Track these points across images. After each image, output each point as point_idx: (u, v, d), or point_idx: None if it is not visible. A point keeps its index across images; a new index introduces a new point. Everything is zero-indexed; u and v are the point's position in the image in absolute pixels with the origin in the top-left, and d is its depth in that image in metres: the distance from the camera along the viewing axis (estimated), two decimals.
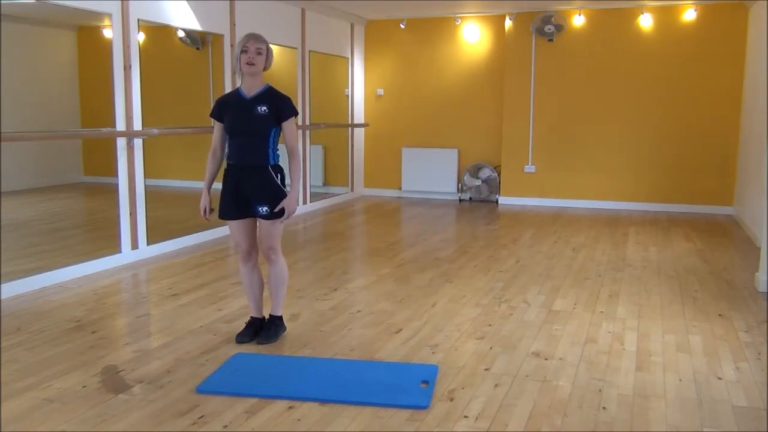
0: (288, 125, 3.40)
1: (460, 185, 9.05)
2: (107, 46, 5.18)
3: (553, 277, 4.95)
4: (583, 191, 8.50)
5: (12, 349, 3.40)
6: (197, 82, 7.37)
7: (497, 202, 8.84)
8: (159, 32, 6.34)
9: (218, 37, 6.48)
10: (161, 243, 5.68)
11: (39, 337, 3.58)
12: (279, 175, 3.43)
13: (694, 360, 3.32)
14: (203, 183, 3.55)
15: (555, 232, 6.79)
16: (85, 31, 7.57)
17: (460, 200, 9.07)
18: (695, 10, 7.82)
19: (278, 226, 3.43)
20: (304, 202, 7.99)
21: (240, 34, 6.60)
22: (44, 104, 7.49)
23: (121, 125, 5.19)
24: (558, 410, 2.74)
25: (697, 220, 7.51)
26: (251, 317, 3.62)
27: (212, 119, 3.53)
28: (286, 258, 5.48)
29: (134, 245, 5.38)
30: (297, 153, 3.43)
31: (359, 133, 9.41)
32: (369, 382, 3.00)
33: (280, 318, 3.59)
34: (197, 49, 7.19)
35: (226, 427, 2.58)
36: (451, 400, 2.83)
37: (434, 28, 8.99)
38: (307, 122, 7.87)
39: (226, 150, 3.48)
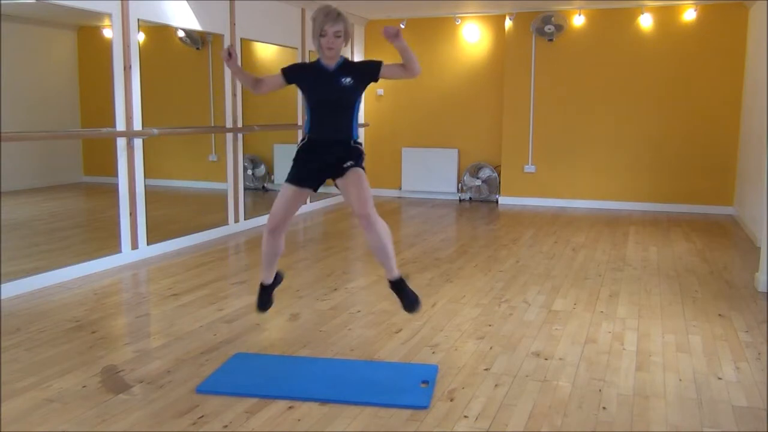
0: (385, 69, 3.25)
1: (460, 185, 9.05)
2: (107, 46, 5.18)
3: (553, 277, 4.95)
4: (583, 191, 8.50)
5: (12, 349, 3.40)
6: (197, 82, 7.38)
7: (497, 202, 8.84)
8: (159, 32, 6.34)
9: (218, 37, 6.48)
10: (161, 243, 5.67)
11: (39, 337, 3.58)
12: (360, 146, 3.34)
13: (694, 360, 3.32)
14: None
15: (555, 232, 6.79)
16: (85, 31, 7.57)
17: (460, 200, 9.07)
18: (695, 10, 7.82)
19: (366, 181, 3.26)
20: (304, 203, 7.98)
21: (240, 34, 6.60)
22: (44, 104, 7.49)
23: (121, 125, 5.19)
24: (558, 410, 2.74)
25: (697, 220, 7.51)
26: (262, 284, 3.51)
27: (281, 73, 3.32)
28: (285, 258, 5.50)
29: (134, 245, 5.38)
30: (408, 59, 3.21)
31: (359, 133, 9.40)
32: (369, 382, 3.00)
33: (402, 279, 3.35)
34: (197, 49, 7.19)
35: (226, 427, 2.58)
36: (451, 400, 2.83)
37: (434, 28, 8.99)
38: None
39: (307, 124, 3.31)
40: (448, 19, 8.86)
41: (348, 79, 3.25)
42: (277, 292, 4.44)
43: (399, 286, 3.34)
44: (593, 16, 8.26)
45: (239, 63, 3.40)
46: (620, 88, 8.23)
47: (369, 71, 3.30)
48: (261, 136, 7.86)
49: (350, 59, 3.38)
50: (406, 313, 3.36)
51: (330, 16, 3.19)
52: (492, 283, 4.74)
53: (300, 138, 3.42)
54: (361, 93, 3.34)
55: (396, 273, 3.33)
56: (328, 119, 3.29)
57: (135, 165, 5.33)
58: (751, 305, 4.24)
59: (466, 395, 2.88)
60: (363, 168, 3.32)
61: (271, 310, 4.05)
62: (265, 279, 3.52)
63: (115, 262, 5.20)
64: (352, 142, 3.32)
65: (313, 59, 3.41)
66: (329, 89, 3.25)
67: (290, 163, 3.41)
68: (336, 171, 3.29)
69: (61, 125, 7.54)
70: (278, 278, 3.61)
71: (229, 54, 3.26)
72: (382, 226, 3.25)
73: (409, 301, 3.32)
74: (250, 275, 4.97)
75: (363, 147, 3.39)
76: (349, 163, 3.27)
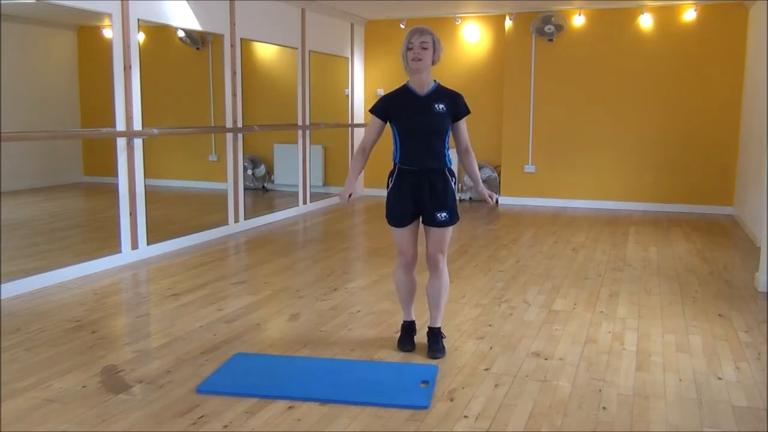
0: (463, 124, 3.28)
1: (460, 185, 9.05)
2: (107, 46, 5.18)
3: (553, 277, 4.95)
4: (583, 191, 8.50)
5: (12, 349, 3.40)
6: (197, 82, 7.38)
7: (497, 202, 8.84)
8: (159, 32, 6.34)
9: (218, 37, 6.48)
10: (161, 243, 5.67)
11: (39, 337, 3.58)
12: (453, 179, 3.31)
13: (694, 360, 3.32)
14: (347, 178, 3.35)
15: (555, 232, 6.79)
16: (85, 31, 7.58)
17: (460, 200, 9.07)
18: (695, 10, 7.82)
19: (450, 232, 3.32)
20: (304, 203, 7.99)
21: (240, 34, 6.60)
22: (44, 104, 7.50)
23: (121, 125, 5.19)
24: (558, 410, 2.74)
25: (697, 220, 7.51)
26: (406, 321, 3.48)
27: (372, 115, 3.30)
28: (286, 258, 5.50)
29: (134, 245, 5.38)
30: (471, 150, 3.35)
31: (359, 133, 9.40)
32: (369, 382, 3.00)
33: (440, 330, 3.43)
34: (197, 49, 7.19)
35: (226, 427, 2.58)
36: (451, 400, 2.83)
37: (434, 28, 8.83)
38: (307, 122, 7.87)
39: (397, 153, 3.29)
40: (448, 19, 8.86)
41: (441, 106, 3.21)
42: (276, 292, 4.46)
43: (435, 335, 3.40)
44: (593, 16, 8.26)
45: (351, 183, 3.35)
46: (620, 88, 8.23)
47: (460, 110, 3.27)
48: (261, 136, 7.87)
49: (445, 87, 3.30)
50: (437, 355, 3.33)
51: (416, 30, 3.21)
52: (492, 283, 4.74)
53: (390, 171, 3.37)
54: (451, 123, 3.26)
55: (439, 323, 3.42)
56: (422, 147, 3.20)
57: (135, 165, 5.33)
58: (751, 305, 4.24)
59: (466, 395, 2.88)
60: (456, 215, 3.32)
61: (271, 310, 4.07)
62: (405, 316, 3.51)
63: (115, 262, 5.20)
64: (446, 170, 3.29)
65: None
66: (424, 117, 3.19)
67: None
68: (431, 218, 3.28)
69: (61, 125, 7.54)
70: (413, 327, 3.49)
71: (349, 194, 3.30)
72: (446, 278, 3.36)
73: (436, 350, 3.34)
74: (250, 275, 4.97)
75: (455, 176, 3.36)
76: (444, 216, 3.26)
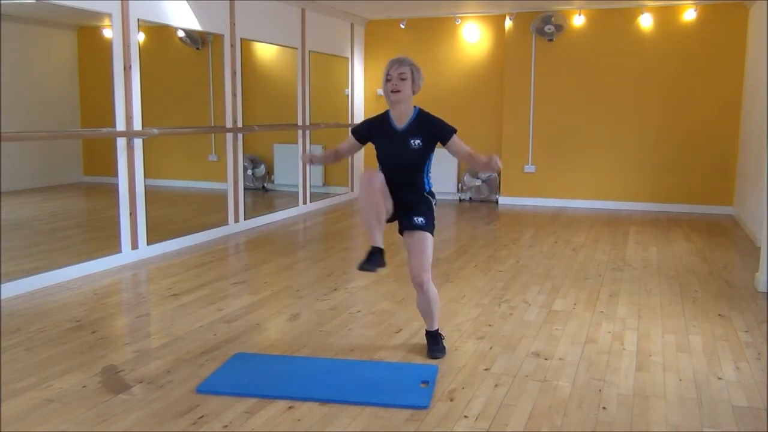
0: (452, 145, 3.24)
1: (460, 185, 9.04)
2: (107, 46, 5.18)
3: (553, 277, 4.95)
4: (583, 191, 8.50)
5: (12, 349, 3.40)
6: (197, 82, 7.38)
7: (497, 202, 8.84)
8: (159, 32, 6.34)
9: (218, 37, 6.48)
10: (161, 243, 5.67)
11: (39, 337, 3.58)
12: (433, 200, 3.35)
13: (694, 360, 3.32)
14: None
15: (555, 232, 6.79)
16: (85, 31, 7.58)
17: (460, 200, 9.07)
18: (695, 10, 7.82)
19: (431, 246, 3.24)
20: (304, 203, 7.99)
21: (240, 34, 6.60)
22: (44, 104, 7.50)
23: (121, 125, 5.19)
24: (558, 410, 2.74)
25: (697, 220, 7.51)
26: (375, 247, 3.21)
27: (352, 135, 3.38)
28: (286, 258, 5.50)
29: (134, 245, 5.38)
30: (473, 153, 3.27)
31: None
32: (369, 382, 3.00)
33: (438, 330, 3.41)
34: (197, 49, 7.20)
35: (226, 427, 2.58)
36: (451, 400, 2.83)
37: (434, 28, 8.99)
38: (307, 122, 7.87)
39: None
40: (448, 19, 8.86)
41: (418, 141, 3.21)
42: (276, 292, 4.45)
43: (433, 336, 3.40)
44: (593, 16, 8.26)
45: (318, 156, 3.51)
46: (620, 88, 8.23)
47: (440, 136, 3.25)
48: (261, 136, 7.86)
49: (425, 113, 3.30)
50: (437, 356, 3.33)
51: (395, 61, 3.19)
52: (492, 283, 4.74)
53: None
54: (431, 152, 3.28)
55: (435, 327, 3.40)
56: (399, 179, 3.24)
57: (135, 165, 5.33)
58: (751, 305, 4.24)
59: (466, 395, 2.88)
60: (433, 227, 3.27)
61: (271, 310, 4.07)
62: (375, 241, 3.23)
63: (115, 262, 5.20)
64: (424, 194, 3.31)
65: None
66: (399, 152, 3.22)
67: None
68: (407, 221, 3.24)
69: (61, 125, 7.54)
70: (381, 253, 3.25)
71: (311, 160, 3.38)
72: (433, 293, 3.31)
73: (436, 350, 3.35)
74: (250, 275, 4.97)
75: (436, 199, 3.37)
76: (420, 221, 3.22)
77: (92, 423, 2.60)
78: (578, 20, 8.27)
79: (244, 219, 6.82)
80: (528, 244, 6.18)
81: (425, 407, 2.74)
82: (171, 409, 2.72)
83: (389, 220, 3.30)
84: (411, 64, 3.20)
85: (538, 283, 4.75)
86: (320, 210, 8.17)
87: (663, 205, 8.18)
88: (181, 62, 7.47)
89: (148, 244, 5.51)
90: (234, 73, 6.54)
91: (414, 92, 3.23)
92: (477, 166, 3.28)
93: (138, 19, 5.31)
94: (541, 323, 3.87)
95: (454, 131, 3.27)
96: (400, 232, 3.33)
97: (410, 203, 3.26)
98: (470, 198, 9.05)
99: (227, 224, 6.61)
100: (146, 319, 3.96)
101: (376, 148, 3.32)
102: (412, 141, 3.21)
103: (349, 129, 3.39)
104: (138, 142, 5.35)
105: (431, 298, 3.30)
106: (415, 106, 3.29)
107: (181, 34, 6.89)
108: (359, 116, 9.29)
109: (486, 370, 3.16)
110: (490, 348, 3.46)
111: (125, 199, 5.28)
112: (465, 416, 2.68)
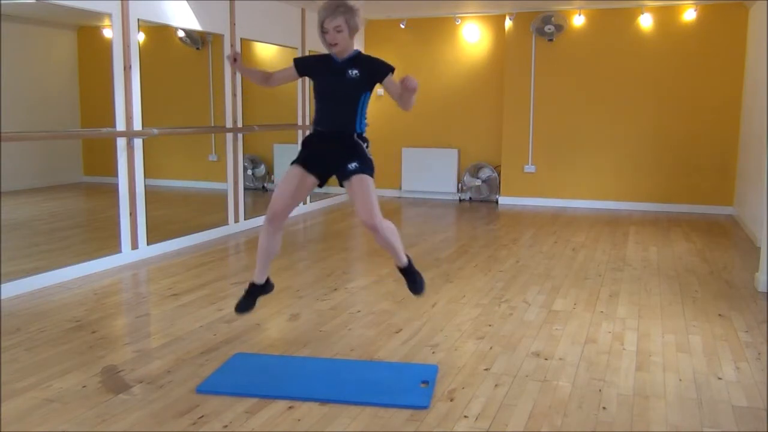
0: (388, 82, 3.26)
1: (460, 185, 9.04)
2: (107, 46, 5.18)
3: (553, 277, 4.95)
4: (583, 191, 8.50)
5: (12, 349, 3.40)
6: (197, 82, 7.38)
7: (497, 202, 8.84)
8: (159, 32, 6.35)
9: (218, 37, 6.48)
10: (161, 243, 5.67)
11: (39, 337, 3.58)
12: (365, 143, 3.32)
13: (694, 360, 3.32)
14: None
15: (555, 232, 6.79)
16: (85, 31, 7.58)
17: (460, 200, 9.07)
18: (695, 10, 7.82)
19: (372, 187, 3.23)
20: (304, 203, 7.99)
21: (240, 34, 6.60)
22: (44, 104, 7.50)
23: (121, 125, 5.19)
24: (558, 410, 2.74)
25: (697, 220, 7.51)
26: (253, 283, 3.43)
27: (293, 64, 3.36)
28: (285, 258, 5.49)
29: (134, 245, 5.38)
30: (404, 93, 3.21)
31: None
32: (369, 382, 3.00)
33: (410, 263, 3.44)
34: (197, 49, 7.20)
35: (226, 427, 2.58)
36: (451, 400, 2.83)
37: (434, 28, 8.99)
38: (307, 122, 7.87)
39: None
40: (448, 19, 8.86)
41: (355, 72, 3.23)
42: (276, 292, 4.44)
43: (408, 272, 3.48)
44: (593, 16, 8.26)
45: (242, 64, 3.44)
46: (620, 88, 8.23)
47: (377, 71, 3.27)
48: (261, 136, 7.86)
49: (365, 54, 3.35)
50: (412, 294, 3.49)
51: (329, 9, 3.12)
52: (492, 283, 4.74)
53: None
54: (368, 88, 3.29)
55: (404, 260, 3.44)
56: (333, 111, 3.28)
57: (135, 165, 5.33)
58: (751, 305, 4.24)
59: (466, 395, 2.88)
60: (370, 168, 3.27)
61: (271, 310, 4.07)
62: (257, 278, 3.44)
63: (115, 262, 5.20)
64: (355, 135, 3.29)
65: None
66: (335, 81, 3.25)
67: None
68: (341, 172, 3.25)
69: (61, 125, 7.54)
70: (269, 284, 3.53)
71: (234, 59, 3.32)
72: (388, 228, 3.28)
73: (415, 284, 3.46)
74: (250, 275, 4.95)
75: (368, 141, 3.35)
76: (353, 166, 3.22)
77: (92, 423, 2.60)
78: (578, 20, 8.27)
79: (244, 219, 6.82)
80: (528, 244, 6.18)
81: (425, 407, 2.74)
82: (171, 409, 2.72)
83: (324, 179, 3.33)
84: (344, 13, 3.13)
85: (538, 283, 4.75)
86: (320, 210, 8.17)
87: (663, 205, 8.18)
88: (181, 62, 7.48)
89: (148, 244, 5.51)
90: (234, 73, 6.54)
91: (353, 34, 3.22)
92: (404, 94, 3.22)
93: (138, 19, 5.31)
94: (541, 323, 3.87)
95: (392, 69, 3.29)
96: (340, 184, 3.33)
97: (339, 154, 3.25)
98: (470, 198, 9.05)
99: (227, 224, 6.61)
100: (146, 319, 3.96)
101: (314, 81, 3.32)
102: (350, 71, 3.24)
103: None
104: (138, 142, 5.35)
105: (388, 233, 3.28)
106: (356, 49, 3.32)
107: (181, 34, 6.89)
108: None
109: (486, 370, 3.16)
110: (490, 348, 3.46)
111: (125, 199, 5.28)
112: (465, 416, 2.68)
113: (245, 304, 3.46)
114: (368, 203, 3.19)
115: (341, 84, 3.23)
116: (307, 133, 3.42)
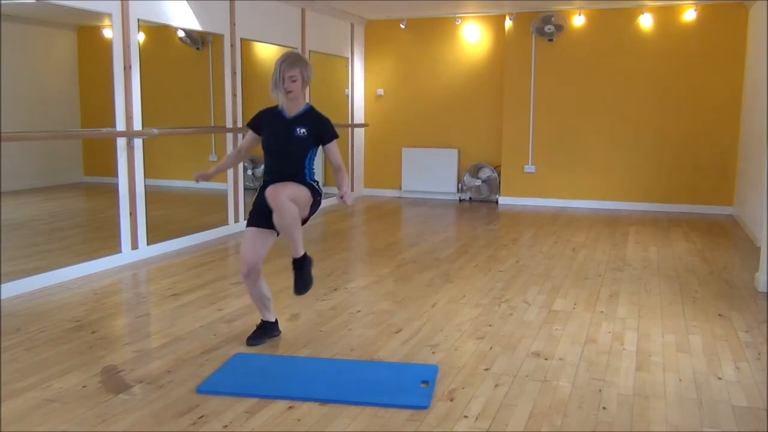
0: (331, 148, 3.43)
1: (460, 185, 9.04)
2: (107, 46, 5.18)
3: (553, 277, 4.95)
4: (583, 191, 8.50)
5: (12, 349, 3.40)
6: (197, 82, 7.38)
7: (497, 202, 8.84)
8: (159, 32, 6.34)
9: (218, 37, 6.48)
10: (161, 243, 5.67)
11: (39, 337, 3.58)
12: (316, 192, 3.45)
13: (694, 360, 3.32)
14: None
15: (555, 232, 6.79)
16: (85, 31, 7.57)
17: (460, 200, 9.07)
18: (695, 10, 7.82)
19: (304, 193, 3.32)
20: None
21: (240, 34, 6.60)
22: (44, 104, 7.49)
23: (121, 125, 5.19)
24: (558, 410, 2.74)
25: (697, 220, 7.51)
26: (262, 320, 3.60)
27: (248, 127, 3.54)
28: (285, 258, 5.47)
29: (134, 245, 5.38)
30: (343, 168, 3.44)
31: (359, 133, 9.41)
32: (369, 382, 3.00)
33: (304, 260, 3.46)
34: (197, 49, 7.19)
35: (226, 427, 2.58)
36: (451, 400, 2.83)
37: (434, 28, 8.99)
38: None
39: (261, 165, 3.51)
40: (448, 19, 8.86)
41: (303, 131, 3.37)
42: (276, 292, 4.45)
43: (298, 264, 3.45)
44: (593, 16, 8.26)
45: (211, 171, 3.56)
46: (620, 88, 8.23)
47: (323, 134, 3.41)
48: None
49: (316, 111, 3.47)
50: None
51: (288, 61, 3.32)
52: (492, 283, 4.74)
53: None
54: (315, 147, 3.42)
55: (299, 252, 3.43)
56: (280, 165, 3.41)
57: (135, 165, 5.33)
58: (751, 305, 4.24)
59: (466, 395, 2.88)
60: (312, 193, 3.38)
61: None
62: (264, 317, 3.60)
63: (115, 262, 5.20)
64: (305, 181, 3.41)
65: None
66: (282, 136, 3.37)
67: None
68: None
69: (61, 125, 7.54)
70: (267, 328, 3.59)
71: (202, 178, 3.47)
72: (291, 212, 3.26)
73: (300, 280, 3.44)
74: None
75: (319, 184, 3.48)
76: (302, 132, 3.36)
77: (92, 423, 2.60)
78: (578, 20, 8.27)
79: (244, 219, 6.80)
80: (528, 244, 6.18)
81: (425, 407, 2.74)
82: (171, 409, 2.72)
83: (268, 222, 3.37)
84: (301, 66, 3.33)
85: (538, 283, 4.75)
86: (320, 210, 8.14)
87: (663, 205, 8.18)
88: (181, 62, 7.47)
89: (148, 244, 5.51)
90: (234, 73, 6.54)
91: (305, 86, 3.38)
92: (337, 180, 3.41)
93: (138, 19, 5.31)
94: (541, 323, 3.87)
95: (336, 137, 3.45)
96: None
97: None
98: (470, 198, 9.05)
99: (227, 224, 6.61)
100: (146, 319, 3.96)
101: (263, 135, 3.45)
102: (297, 129, 3.37)
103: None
104: (138, 142, 5.35)
105: (289, 217, 3.24)
106: (307, 103, 3.46)
107: (181, 34, 6.89)
108: (359, 116, 9.30)
109: (486, 370, 3.16)
110: (490, 348, 3.46)
111: (125, 199, 5.28)
112: (465, 416, 2.68)
113: (255, 336, 3.53)
114: (290, 189, 3.25)
115: (288, 141, 3.37)
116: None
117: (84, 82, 7.68)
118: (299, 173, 3.39)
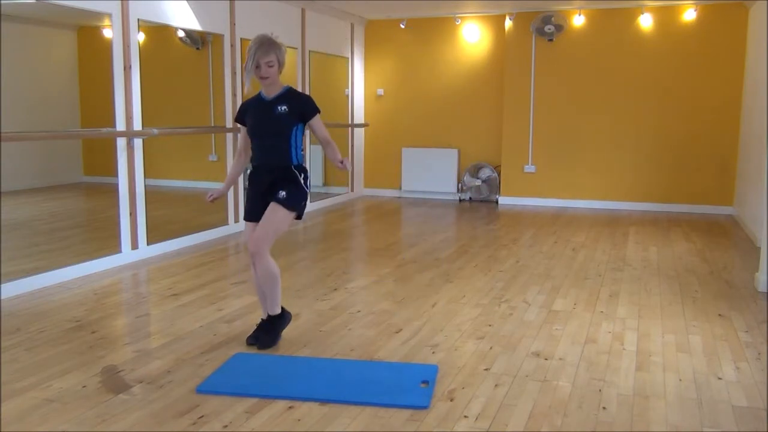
0: (315, 122, 3.44)
1: (460, 185, 9.05)
2: (107, 46, 5.18)
3: (553, 277, 4.95)
4: (583, 191, 8.50)
5: (12, 349, 3.40)
6: (197, 82, 7.38)
7: (497, 202, 8.84)
8: (159, 32, 6.34)
9: (218, 37, 6.48)
10: (161, 243, 5.67)
11: (39, 337, 3.58)
12: (302, 174, 3.46)
13: (694, 360, 3.32)
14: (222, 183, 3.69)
15: (555, 232, 6.79)
16: (85, 31, 7.57)
17: (460, 200, 9.07)
18: (695, 10, 7.82)
19: (282, 220, 3.38)
20: None
21: (240, 34, 6.60)
22: (44, 104, 7.49)
23: (121, 125, 5.19)
24: (558, 410, 2.74)
25: (697, 220, 7.51)
26: (262, 318, 3.60)
27: (237, 124, 3.61)
28: (286, 258, 5.49)
29: (134, 245, 5.38)
30: (331, 141, 3.44)
31: (359, 133, 9.41)
32: (369, 382, 3.00)
33: (278, 319, 3.52)
34: (197, 49, 7.19)
35: (226, 427, 2.58)
36: (451, 400, 2.83)
37: (434, 28, 8.99)
38: None
39: (250, 153, 3.54)
40: (448, 19, 8.86)
41: (284, 107, 3.39)
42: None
43: (270, 321, 3.49)
44: (593, 16, 8.26)
45: (223, 188, 3.67)
46: (620, 88, 8.23)
47: (304, 109, 3.43)
48: None
49: (295, 90, 3.51)
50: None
51: (262, 47, 3.33)
52: (492, 283, 4.74)
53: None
54: (297, 123, 3.43)
55: (275, 311, 3.48)
56: (265, 146, 3.44)
57: (135, 165, 5.33)
58: (751, 305, 4.24)
59: (466, 395, 2.88)
60: (297, 201, 3.42)
61: None
62: (262, 312, 3.58)
63: (115, 262, 5.20)
64: (291, 167, 3.43)
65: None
66: (264, 117, 3.41)
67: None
68: (270, 197, 3.40)
69: (61, 125, 7.53)
70: (286, 315, 3.58)
71: (215, 198, 3.57)
72: (270, 269, 3.39)
73: (266, 336, 3.45)
74: (250, 275, 4.97)
75: (308, 173, 3.51)
76: (281, 195, 3.38)
77: (92, 423, 2.60)
78: (578, 20, 8.27)
79: (244, 219, 6.81)
80: (528, 244, 6.18)
81: (425, 407, 2.74)
82: (171, 409, 2.72)
83: (259, 213, 3.44)
84: (276, 51, 3.36)
85: (538, 283, 4.75)
86: (320, 210, 8.17)
87: (663, 205, 8.18)
88: (181, 62, 7.47)
89: (148, 244, 5.51)
90: (234, 73, 6.54)
91: (280, 71, 3.42)
92: (329, 155, 3.43)
93: (138, 19, 5.31)
94: (541, 323, 3.87)
95: (318, 111, 3.46)
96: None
97: (275, 183, 3.41)
98: (470, 198, 9.05)
99: (227, 224, 6.61)
100: (146, 319, 3.96)
101: (247, 122, 3.49)
102: (278, 107, 3.39)
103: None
104: (138, 142, 5.35)
105: (267, 273, 3.39)
106: (286, 85, 3.49)
107: (181, 34, 6.89)
108: (359, 116, 9.30)
109: (486, 370, 3.16)
110: (490, 348, 3.46)
111: (125, 199, 5.28)
112: (465, 416, 2.68)
113: (255, 336, 3.50)
114: (265, 230, 3.36)
115: (270, 120, 3.39)
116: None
117: (84, 82, 7.68)
118: (286, 154, 3.40)
